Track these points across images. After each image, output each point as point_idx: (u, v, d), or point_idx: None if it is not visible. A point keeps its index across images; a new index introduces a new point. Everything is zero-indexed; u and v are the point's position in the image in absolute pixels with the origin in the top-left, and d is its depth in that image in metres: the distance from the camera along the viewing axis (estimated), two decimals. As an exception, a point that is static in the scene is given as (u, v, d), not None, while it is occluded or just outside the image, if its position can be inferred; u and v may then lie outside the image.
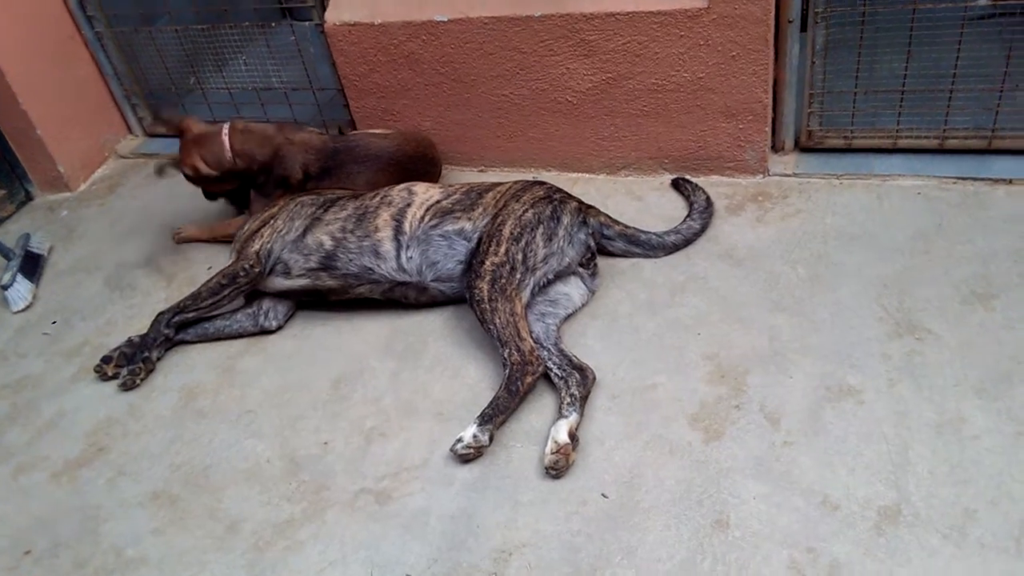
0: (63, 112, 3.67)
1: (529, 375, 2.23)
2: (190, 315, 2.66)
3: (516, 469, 2.11)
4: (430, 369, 2.47)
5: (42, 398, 2.65)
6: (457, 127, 3.25)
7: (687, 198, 2.91)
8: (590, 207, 2.68)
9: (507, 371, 2.24)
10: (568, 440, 2.08)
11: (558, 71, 2.97)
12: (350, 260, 2.57)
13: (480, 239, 2.48)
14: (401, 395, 2.40)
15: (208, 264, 3.03)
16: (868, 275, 2.45)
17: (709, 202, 2.82)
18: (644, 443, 2.10)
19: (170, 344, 2.70)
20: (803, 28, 2.75)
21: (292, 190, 2.89)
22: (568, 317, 2.52)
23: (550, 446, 2.08)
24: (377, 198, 2.66)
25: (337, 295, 2.66)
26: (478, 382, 2.39)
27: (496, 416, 2.17)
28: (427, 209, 2.58)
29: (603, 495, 2.00)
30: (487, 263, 2.39)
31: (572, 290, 2.53)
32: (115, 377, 2.64)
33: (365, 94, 3.28)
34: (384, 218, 2.59)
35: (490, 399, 2.23)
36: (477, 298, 2.36)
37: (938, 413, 2.03)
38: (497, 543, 1.95)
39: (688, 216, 2.78)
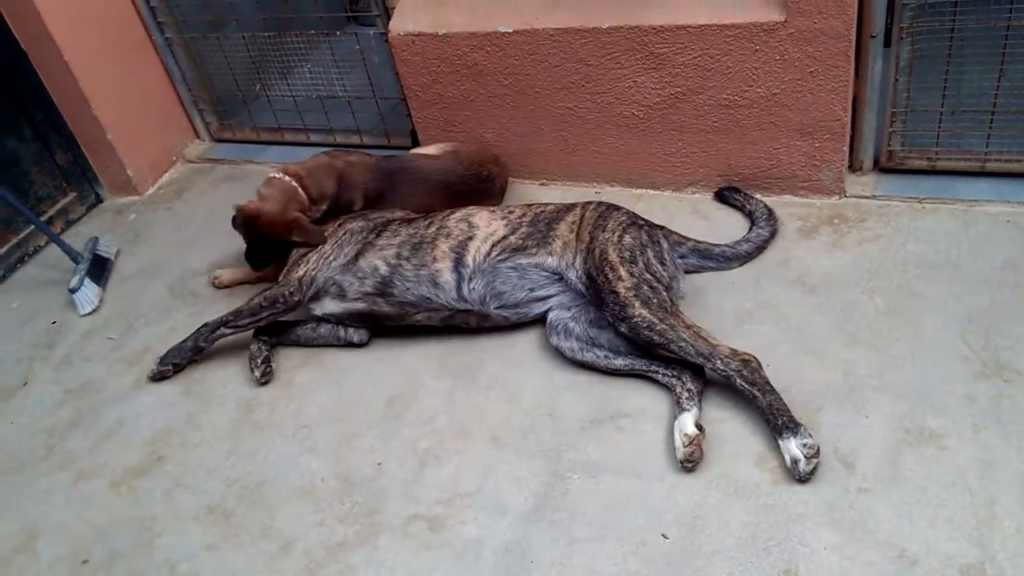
0: (133, 117, 3.73)
1: (759, 366, 2.13)
2: (228, 332, 2.66)
3: (572, 502, 2.05)
4: (486, 391, 2.41)
5: (104, 404, 2.68)
6: (519, 139, 3.19)
7: (741, 209, 2.86)
8: (660, 227, 2.60)
9: (738, 379, 2.09)
10: (697, 431, 2.04)
11: (625, 84, 2.89)
12: (407, 288, 2.51)
13: (590, 276, 2.36)
14: (456, 417, 2.36)
15: (268, 274, 3.04)
16: (952, 308, 2.31)
17: (768, 208, 2.77)
18: (708, 482, 2.01)
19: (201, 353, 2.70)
20: (887, 43, 2.61)
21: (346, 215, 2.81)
22: None
23: (680, 439, 2.04)
24: (433, 227, 2.58)
25: (394, 321, 2.60)
26: (535, 407, 2.32)
27: (792, 417, 2.01)
28: (493, 245, 2.50)
29: (663, 536, 1.92)
30: (621, 291, 2.25)
31: None
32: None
33: (427, 104, 3.25)
34: (443, 249, 2.51)
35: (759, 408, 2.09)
36: (644, 324, 2.19)
37: (1029, 464, 1.89)
38: (551, 581, 1.89)
39: (754, 225, 2.73)
